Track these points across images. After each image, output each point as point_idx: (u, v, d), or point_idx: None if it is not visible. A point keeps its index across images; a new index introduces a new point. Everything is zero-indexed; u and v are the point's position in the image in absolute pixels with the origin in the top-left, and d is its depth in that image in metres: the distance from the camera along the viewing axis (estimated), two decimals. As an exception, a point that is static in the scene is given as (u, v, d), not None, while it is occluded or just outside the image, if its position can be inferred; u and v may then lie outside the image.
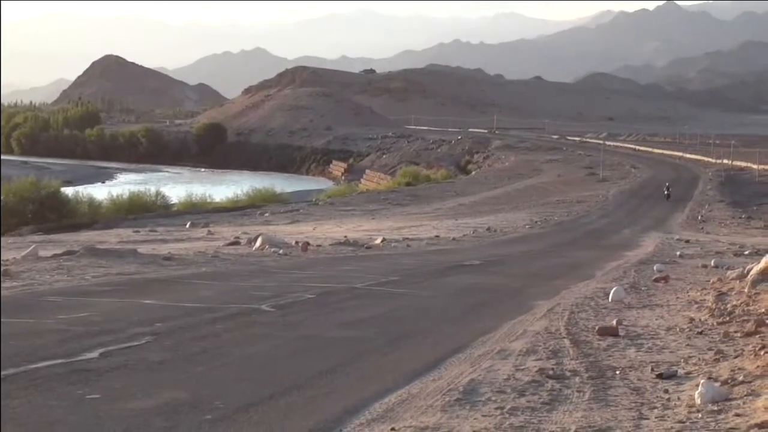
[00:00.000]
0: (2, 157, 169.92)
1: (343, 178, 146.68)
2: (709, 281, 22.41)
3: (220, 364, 11.40)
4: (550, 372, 11.17)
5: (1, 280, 18.09)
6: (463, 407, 9.53)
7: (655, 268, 27.06)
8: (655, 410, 9.39)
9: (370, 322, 15.60)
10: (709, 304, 17.45)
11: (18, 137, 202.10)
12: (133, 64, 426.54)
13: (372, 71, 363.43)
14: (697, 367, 11.44)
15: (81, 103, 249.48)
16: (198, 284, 20.14)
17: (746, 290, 18.06)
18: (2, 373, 10.24)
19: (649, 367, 11.47)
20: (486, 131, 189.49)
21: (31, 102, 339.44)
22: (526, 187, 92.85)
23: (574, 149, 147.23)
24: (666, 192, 78.37)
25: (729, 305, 16.71)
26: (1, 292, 17.14)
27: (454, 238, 43.07)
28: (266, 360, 11.91)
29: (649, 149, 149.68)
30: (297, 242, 34.03)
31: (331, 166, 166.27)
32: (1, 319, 13.79)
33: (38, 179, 71.91)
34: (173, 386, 10.15)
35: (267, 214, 67.49)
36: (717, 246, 39.98)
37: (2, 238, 43.04)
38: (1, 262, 21.22)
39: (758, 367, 10.73)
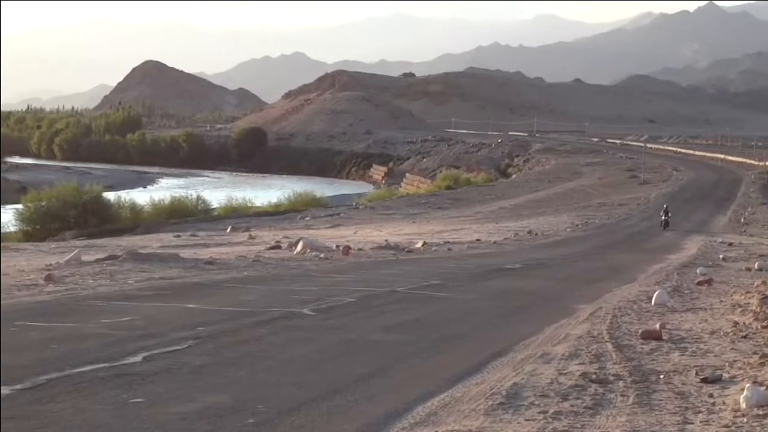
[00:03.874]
0: (44, 162, 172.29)
1: (383, 182, 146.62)
2: (753, 284, 22.24)
3: (262, 368, 11.42)
4: (594, 376, 11.11)
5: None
6: (507, 411, 9.50)
7: (698, 271, 26.89)
8: (700, 415, 9.32)
9: (411, 326, 15.58)
10: (754, 307, 17.29)
11: (60, 143, 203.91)
12: (173, 69, 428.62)
13: (411, 75, 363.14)
14: (742, 371, 11.34)
15: (122, 109, 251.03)
16: (240, 288, 20.18)
17: (791, 293, 17.90)
18: (45, 377, 10.33)
19: (694, 371, 11.38)
20: (526, 134, 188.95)
21: (72, 107, 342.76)
22: (567, 190, 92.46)
23: (615, 152, 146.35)
24: (663, 218, 57.62)
25: (774, 308, 16.56)
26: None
27: (495, 242, 42.98)
28: (308, 364, 11.92)
29: (691, 152, 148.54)
30: (338, 246, 34.05)
31: (371, 170, 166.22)
32: (36, 324, 13.94)
33: (80, 184, 72.39)
34: (216, 390, 10.18)
35: (308, 218, 67.65)
36: (761, 249, 39.65)
37: (45, 244, 43.50)
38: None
39: (805, 371, 10.62)
